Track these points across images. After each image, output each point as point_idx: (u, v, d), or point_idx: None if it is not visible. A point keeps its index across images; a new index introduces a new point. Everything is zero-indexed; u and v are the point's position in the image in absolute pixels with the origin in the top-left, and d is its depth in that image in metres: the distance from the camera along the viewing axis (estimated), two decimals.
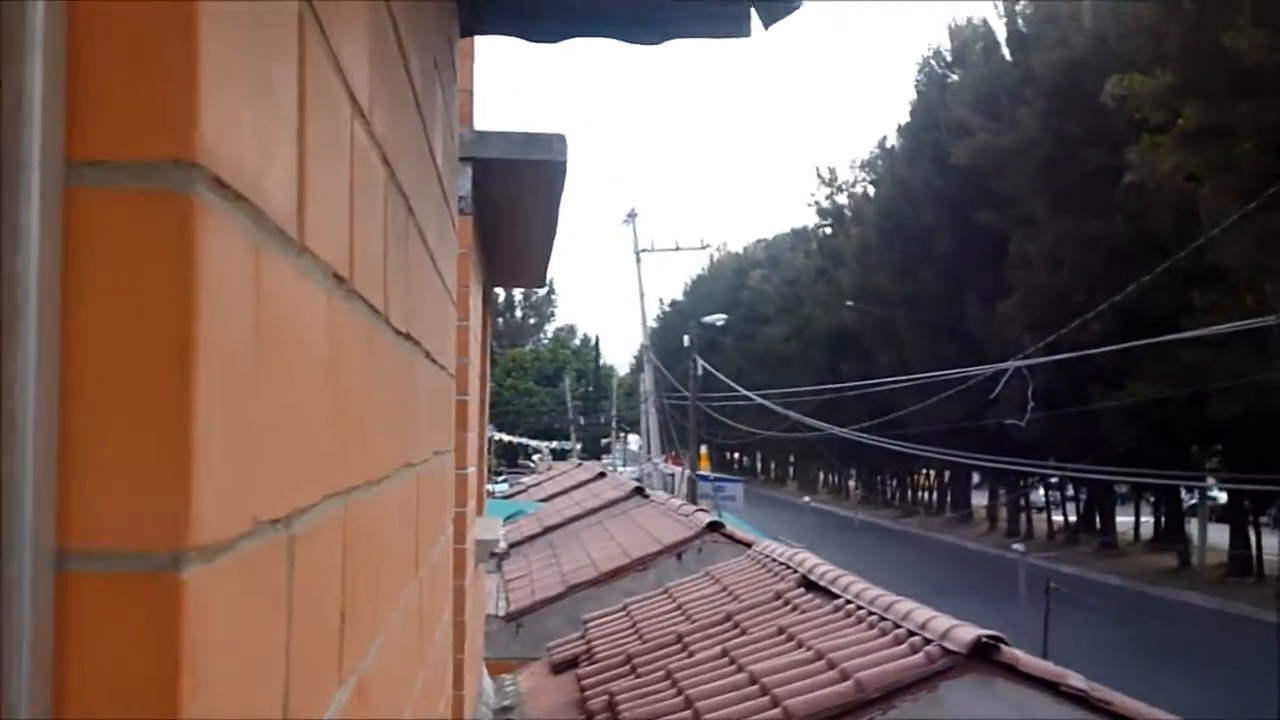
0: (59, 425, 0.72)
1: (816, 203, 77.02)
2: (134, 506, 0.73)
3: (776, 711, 6.76)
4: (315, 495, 1.15)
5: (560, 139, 6.88)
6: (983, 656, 6.76)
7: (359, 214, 1.38)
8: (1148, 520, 52.91)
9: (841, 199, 73.81)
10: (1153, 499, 50.35)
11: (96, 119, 0.73)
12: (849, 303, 61.51)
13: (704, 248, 78.87)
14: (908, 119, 60.14)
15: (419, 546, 2.37)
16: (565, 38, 4.42)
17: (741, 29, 4.03)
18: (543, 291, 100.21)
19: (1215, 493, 47.58)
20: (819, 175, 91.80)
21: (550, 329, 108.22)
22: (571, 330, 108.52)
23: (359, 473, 1.44)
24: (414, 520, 2.24)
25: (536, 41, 4.51)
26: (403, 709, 2.11)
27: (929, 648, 6.93)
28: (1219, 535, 44.04)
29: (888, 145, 64.93)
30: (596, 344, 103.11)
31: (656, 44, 4.37)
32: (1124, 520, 53.63)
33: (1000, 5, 52.00)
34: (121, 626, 0.73)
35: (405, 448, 2.03)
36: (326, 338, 1.20)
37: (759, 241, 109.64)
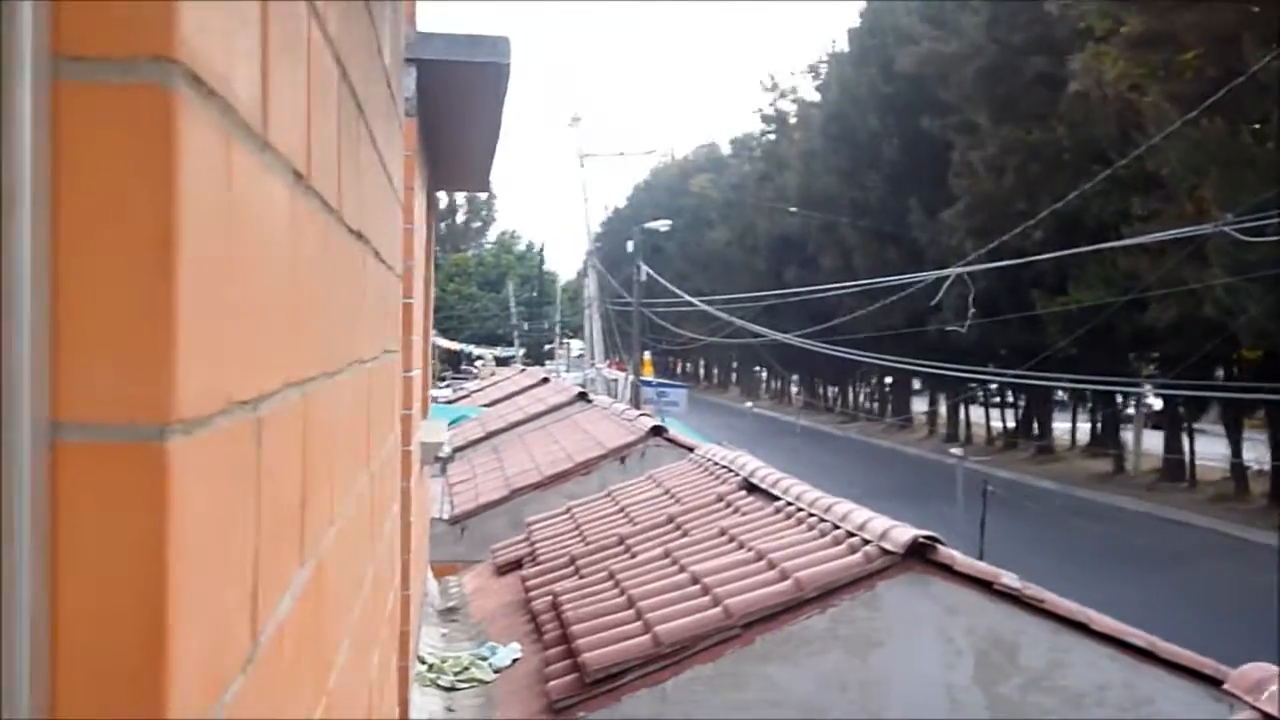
0: (52, 306, 0.77)
1: (760, 110, 76.88)
2: (123, 382, 0.78)
3: (718, 610, 6.90)
4: (278, 382, 1.20)
5: (504, 41, 6.85)
6: (919, 556, 6.92)
7: (315, 112, 1.42)
8: (1084, 426, 53.71)
9: (785, 105, 73.60)
10: (1090, 405, 51.09)
11: (82, 16, 0.77)
12: (792, 209, 61.55)
13: (649, 153, 78.81)
14: (857, 24, 59.91)
15: (370, 440, 2.42)
16: None
17: None
18: (484, 196, 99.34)
19: (1151, 399, 48.38)
20: (763, 83, 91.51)
21: (492, 234, 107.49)
22: (514, 235, 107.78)
23: (316, 363, 1.49)
24: (365, 415, 2.29)
25: None
26: (354, 599, 2.17)
27: (867, 548, 7.08)
28: (1154, 441, 44.80)
29: (836, 50, 64.69)
30: (541, 251, 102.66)
31: None
32: (1061, 426, 54.44)
33: None
34: (111, 493, 0.78)
35: (357, 343, 2.08)
36: (287, 232, 1.25)
37: (703, 147, 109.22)
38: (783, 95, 73.89)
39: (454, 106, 7.43)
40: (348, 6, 1.77)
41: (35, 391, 0.74)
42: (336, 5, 1.60)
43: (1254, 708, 3.76)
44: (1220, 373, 40.90)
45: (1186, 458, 42.49)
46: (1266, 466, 38.27)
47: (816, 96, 67.62)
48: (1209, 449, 42.63)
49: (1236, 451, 39.41)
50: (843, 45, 62.76)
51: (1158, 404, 47.30)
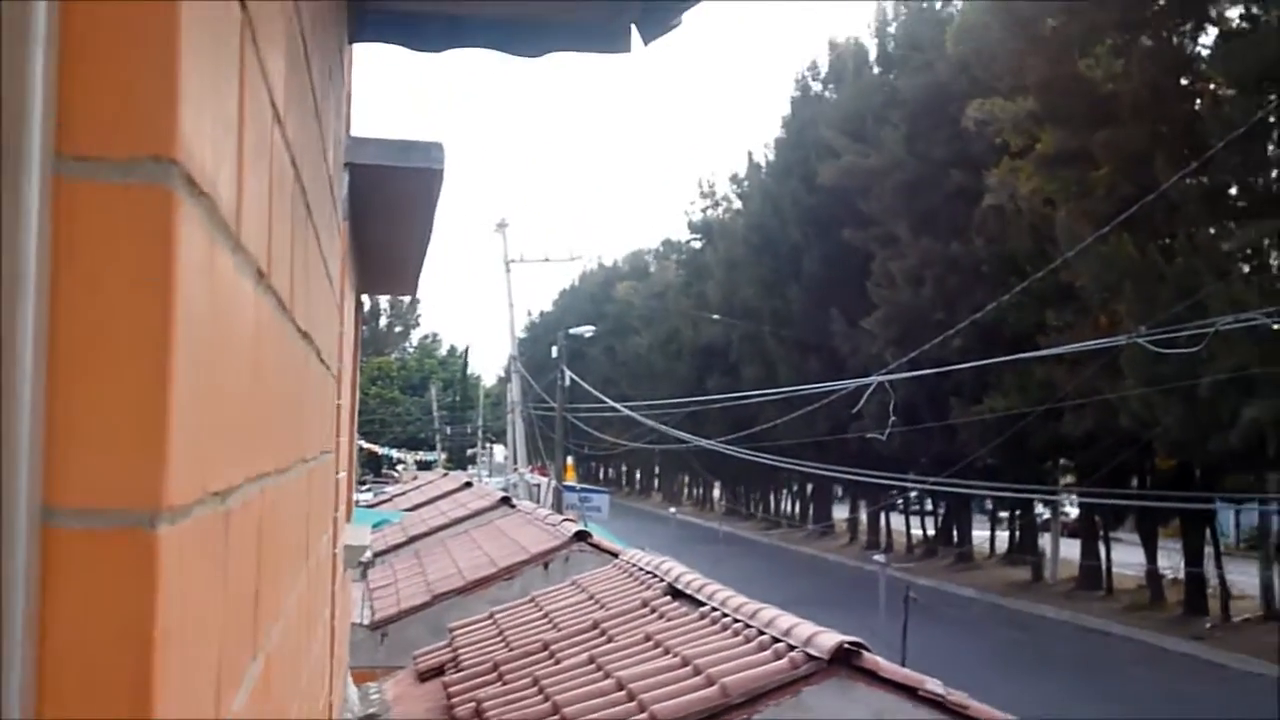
0: (49, 396, 0.79)
1: (688, 218, 77.67)
2: (116, 470, 0.80)
3: (644, 716, 6.85)
4: (241, 476, 1.22)
5: (438, 147, 6.90)
6: (844, 662, 6.92)
7: (275, 212, 1.46)
8: (1003, 534, 54.09)
9: (715, 213, 74.38)
10: (1008, 513, 51.52)
11: (85, 117, 0.80)
12: (715, 316, 62.03)
13: (574, 259, 79.14)
14: (780, 135, 60.88)
15: (309, 540, 2.42)
16: (447, 48, 4.47)
17: (621, 44, 4.10)
18: (408, 300, 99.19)
19: (1068, 508, 48.88)
20: (700, 187, 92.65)
21: (415, 337, 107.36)
22: (436, 339, 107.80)
23: (271, 460, 1.50)
24: (305, 514, 2.29)
25: (419, 50, 4.55)
26: (291, 700, 2.16)
27: (792, 654, 7.08)
28: (1072, 549, 45.21)
29: (757, 161, 65.63)
30: (466, 353, 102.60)
31: (536, 57, 4.43)
32: (980, 534, 54.80)
33: (872, 26, 53.03)
34: (102, 575, 0.80)
35: (302, 442, 2.09)
36: (251, 329, 1.27)
37: (630, 254, 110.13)
38: (715, 204, 74.67)
39: (385, 210, 7.46)
40: (303, 110, 1.81)
41: (30, 477, 0.76)
42: (295, 109, 1.64)
43: None
44: (1135, 482, 41.47)
45: (1103, 565, 42.88)
46: (1181, 575, 38.71)
47: (739, 205, 68.45)
48: (1125, 557, 43.07)
49: (1152, 559, 39.85)
50: (765, 156, 63.77)
51: (1074, 512, 47.79)
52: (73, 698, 0.78)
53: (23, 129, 0.74)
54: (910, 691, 6.91)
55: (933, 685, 6.98)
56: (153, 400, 0.82)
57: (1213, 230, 31.19)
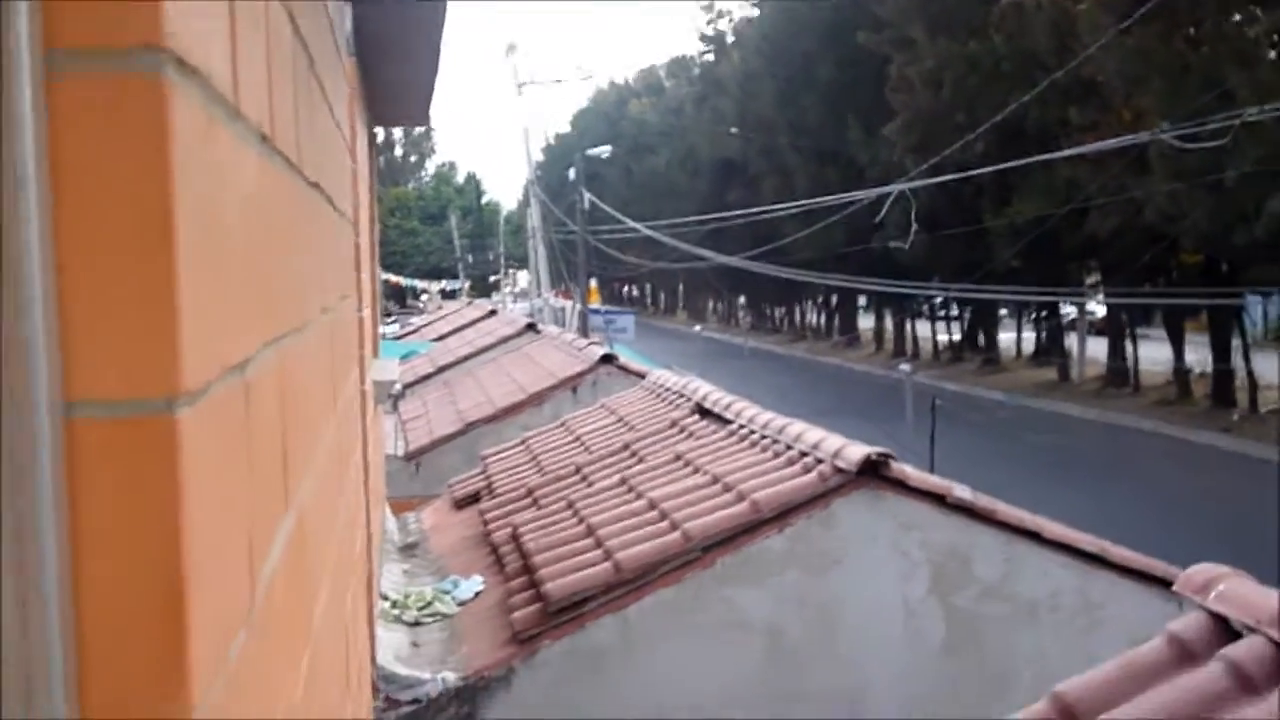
0: (59, 290, 0.80)
1: (699, 30, 76.30)
2: (131, 359, 0.82)
3: (676, 535, 6.97)
4: (258, 343, 1.23)
5: None
6: (872, 473, 7.00)
7: (275, 72, 1.44)
8: (1030, 336, 54.18)
9: (724, 25, 73.10)
10: (1034, 315, 51.52)
11: (74, 11, 0.79)
12: (732, 130, 61.33)
13: (586, 79, 77.88)
14: None
15: (335, 387, 2.45)
16: None
17: None
18: (422, 129, 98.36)
19: (1094, 307, 48.82)
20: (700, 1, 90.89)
21: (431, 166, 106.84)
22: (453, 167, 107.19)
23: (288, 320, 1.52)
24: (330, 363, 2.32)
25: None
26: (329, 544, 2.21)
27: (821, 467, 7.16)
28: (1098, 348, 45.26)
29: None
30: (478, 183, 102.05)
31: None
32: (1006, 337, 54.91)
33: None
34: (127, 466, 0.82)
35: (320, 293, 2.10)
36: (258, 194, 1.27)
37: (643, 71, 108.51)
38: (720, 15, 73.32)
39: (391, 43, 7.36)
40: None
41: (50, 373, 0.78)
42: None
43: (1201, 607, 3.87)
44: (1162, 279, 41.30)
45: (1130, 364, 42.98)
46: (1208, 369, 38.77)
47: (754, 14, 67.15)
48: (1152, 354, 43.13)
49: (1179, 355, 39.91)
50: None
51: (1101, 311, 47.76)
52: (106, 584, 0.81)
53: (13, 23, 0.74)
54: (939, 499, 7.00)
55: (960, 491, 7.06)
56: (160, 286, 0.82)
57: (1238, 17, 30.44)
